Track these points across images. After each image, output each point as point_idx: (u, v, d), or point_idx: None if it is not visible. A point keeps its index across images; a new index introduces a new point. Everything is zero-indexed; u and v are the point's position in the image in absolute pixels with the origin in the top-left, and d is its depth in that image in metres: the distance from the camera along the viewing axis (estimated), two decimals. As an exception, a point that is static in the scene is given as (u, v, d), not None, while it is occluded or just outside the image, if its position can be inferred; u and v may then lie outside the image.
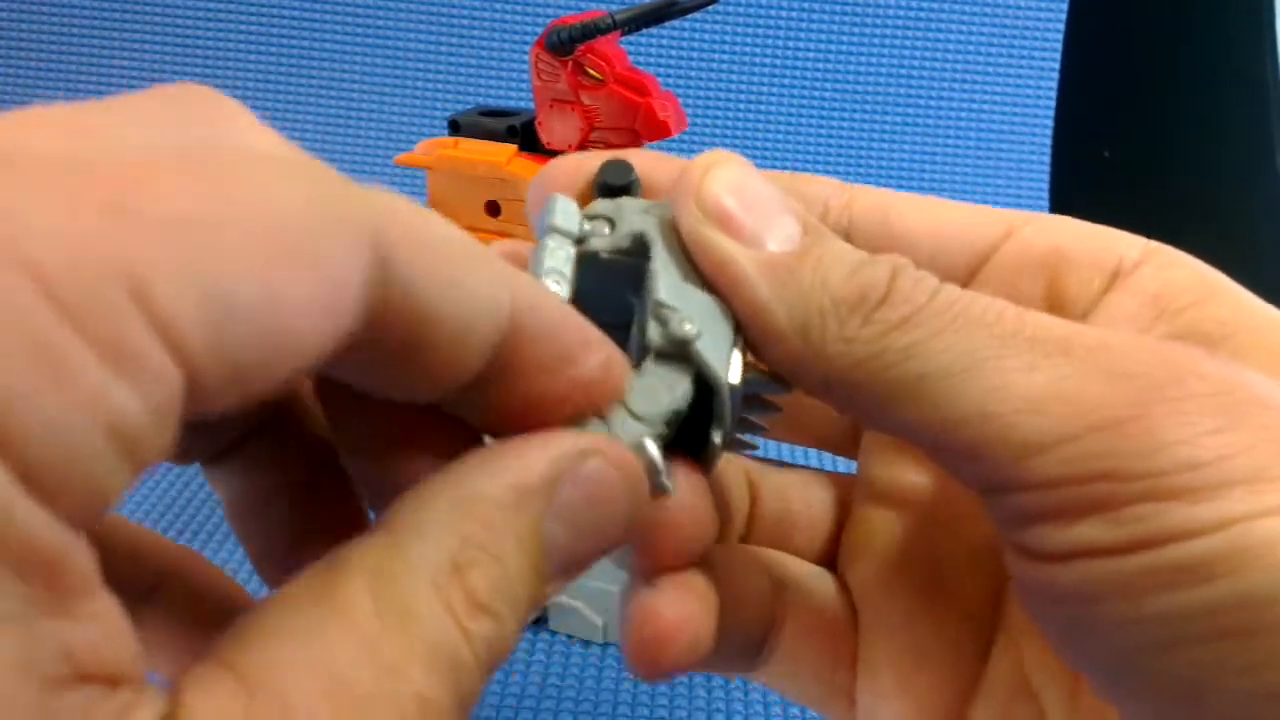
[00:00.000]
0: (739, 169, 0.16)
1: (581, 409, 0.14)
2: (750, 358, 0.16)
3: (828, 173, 0.75)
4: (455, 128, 0.38)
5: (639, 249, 0.16)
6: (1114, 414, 0.13)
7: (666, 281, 0.16)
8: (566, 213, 0.17)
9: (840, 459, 0.22)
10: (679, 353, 0.15)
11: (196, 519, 0.49)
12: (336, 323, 0.11)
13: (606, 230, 0.17)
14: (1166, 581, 0.12)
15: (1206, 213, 0.49)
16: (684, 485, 0.16)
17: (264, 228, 0.10)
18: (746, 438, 0.18)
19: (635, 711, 0.38)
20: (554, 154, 0.36)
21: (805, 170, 0.75)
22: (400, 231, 0.11)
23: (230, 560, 0.46)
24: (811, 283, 0.15)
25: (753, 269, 0.15)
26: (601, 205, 0.17)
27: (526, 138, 0.37)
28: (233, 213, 0.10)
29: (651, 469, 0.15)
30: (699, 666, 0.18)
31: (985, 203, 0.77)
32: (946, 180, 0.75)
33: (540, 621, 0.42)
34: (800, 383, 0.16)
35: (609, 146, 0.36)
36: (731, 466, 0.20)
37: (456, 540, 0.12)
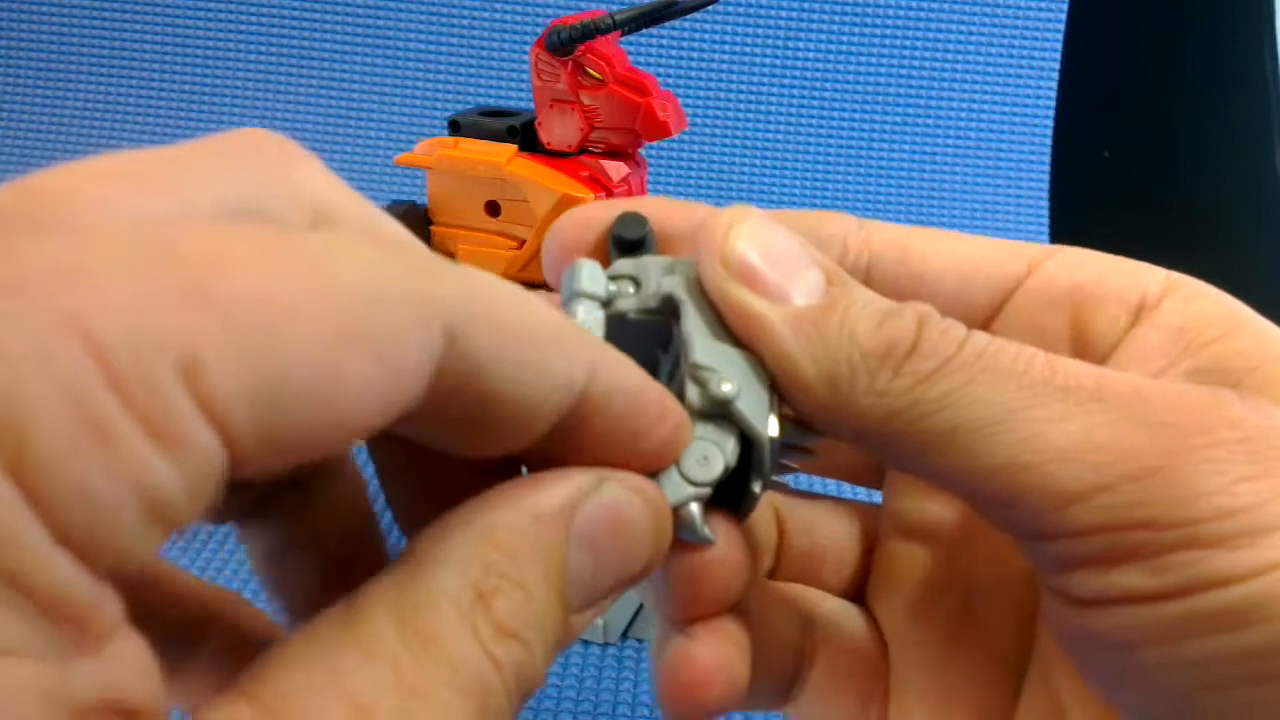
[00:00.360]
0: (761, 224, 0.16)
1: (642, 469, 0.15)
2: (785, 409, 0.16)
3: (827, 173, 0.75)
4: (455, 128, 0.38)
5: (668, 309, 0.17)
6: (1148, 463, 0.13)
7: (701, 343, 0.16)
8: (593, 277, 0.17)
9: (863, 489, 0.22)
10: (720, 413, 0.16)
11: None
12: (393, 403, 0.11)
13: (632, 290, 0.17)
14: (1205, 627, 0.13)
15: (1206, 211, 0.49)
16: (721, 535, 0.16)
17: (329, 309, 0.10)
18: (779, 479, 0.19)
19: (635, 712, 0.38)
20: (554, 154, 0.36)
21: (804, 171, 0.75)
22: (476, 311, 0.12)
23: (231, 561, 0.46)
24: (839, 336, 0.15)
25: (780, 325, 0.15)
26: (624, 265, 0.17)
27: (527, 138, 0.37)
28: (299, 295, 0.10)
29: (692, 524, 0.15)
30: (733, 709, 0.18)
31: (985, 202, 0.77)
32: (946, 180, 0.75)
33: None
34: (833, 432, 0.16)
35: (609, 146, 0.36)
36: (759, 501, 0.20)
37: (479, 568, 0.12)
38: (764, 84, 0.76)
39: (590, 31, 0.34)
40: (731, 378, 0.16)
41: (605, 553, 0.14)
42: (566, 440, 0.13)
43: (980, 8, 0.74)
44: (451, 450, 0.13)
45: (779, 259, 0.16)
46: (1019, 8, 0.73)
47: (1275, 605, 0.12)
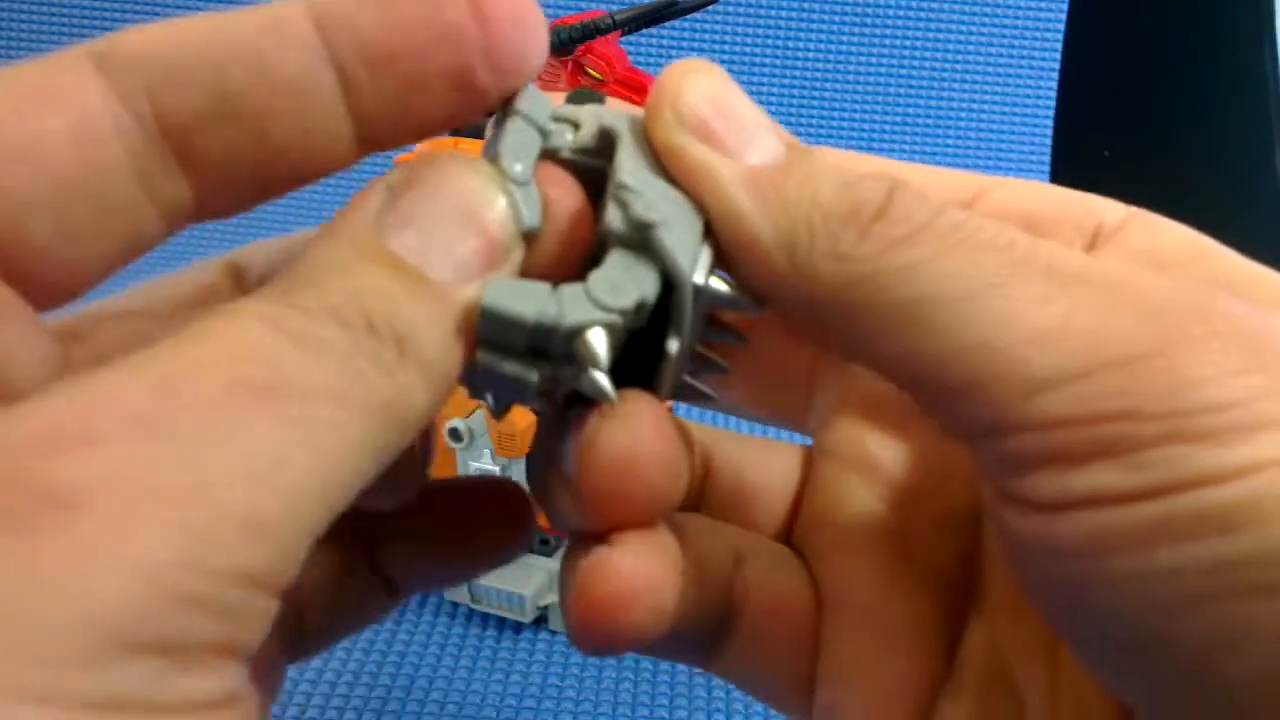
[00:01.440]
0: (720, 79, 0.14)
1: (454, 68, 0.13)
2: (720, 274, 0.14)
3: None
4: (456, 128, 0.38)
5: (605, 148, 0.15)
6: (1134, 349, 0.11)
7: (631, 168, 0.14)
8: (534, 100, 0.15)
9: (800, 436, 0.20)
10: (640, 240, 0.14)
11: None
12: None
13: (570, 134, 0.15)
14: (1184, 531, 0.11)
15: (1207, 213, 0.49)
16: (649, 423, 0.14)
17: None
18: (701, 385, 0.17)
19: (635, 711, 0.38)
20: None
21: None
22: None
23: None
24: (799, 196, 0.13)
25: (732, 179, 0.14)
26: (568, 109, 0.15)
27: (526, 138, 0.37)
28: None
29: (593, 357, 0.13)
30: (654, 649, 0.16)
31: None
32: (946, 180, 0.75)
33: (540, 621, 0.42)
34: (781, 304, 0.14)
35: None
36: (680, 374, 0.18)
37: (334, 294, 0.12)
38: (764, 84, 0.76)
39: (590, 32, 0.34)
40: (659, 208, 0.14)
41: (420, 215, 0.13)
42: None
43: (980, 8, 0.74)
44: None
45: (736, 116, 0.14)
46: (1019, 8, 0.73)
47: (1265, 507, 0.11)
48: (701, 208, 0.14)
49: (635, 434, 0.14)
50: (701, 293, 0.14)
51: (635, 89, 0.35)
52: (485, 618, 0.42)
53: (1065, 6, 0.53)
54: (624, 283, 0.14)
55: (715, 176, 0.14)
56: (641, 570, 0.14)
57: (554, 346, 0.13)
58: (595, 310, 0.13)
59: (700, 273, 0.14)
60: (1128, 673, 0.12)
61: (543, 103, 0.15)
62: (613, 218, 0.14)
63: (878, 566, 0.17)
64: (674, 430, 0.14)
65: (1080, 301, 0.12)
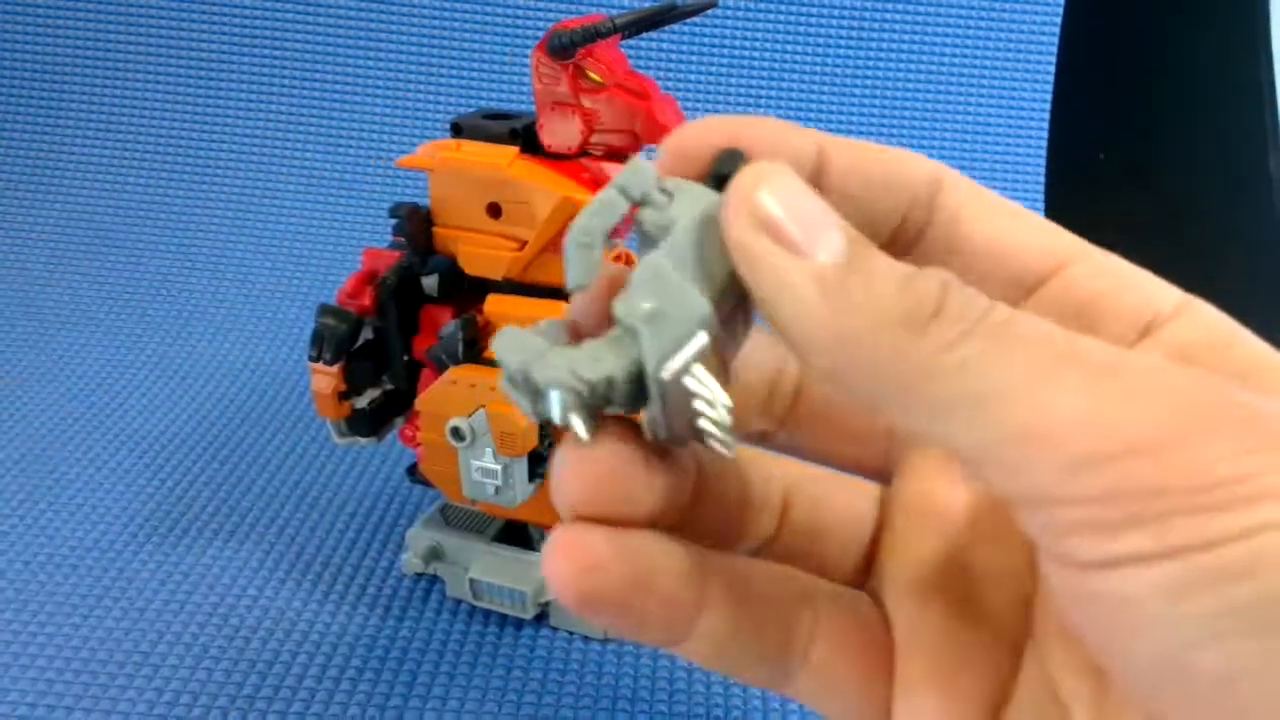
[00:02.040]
0: (789, 180, 0.16)
1: None
2: (711, 389, 0.16)
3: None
4: (457, 130, 0.38)
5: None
6: (1159, 435, 0.13)
7: (653, 256, 0.16)
8: (637, 172, 0.17)
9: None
10: (627, 326, 0.16)
11: (201, 519, 0.50)
12: None
13: (665, 203, 0.17)
14: (1203, 583, 0.13)
15: (1201, 213, 0.49)
16: (609, 444, 0.16)
17: None
18: (719, 448, 0.18)
19: (635, 707, 0.38)
20: (555, 157, 0.37)
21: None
22: None
23: (234, 560, 0.46)
24: (862, 296, 0.15)
25: (801, 279, 0.15)
26: (673, 181, 0.17)
27: (528, 140, 0.37)
28: None
29: (548, 410, 0.16)
30: (724, 668, 0.18)
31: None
32: (945, 182, 0.75)
33: (541, 618, 0.42)
34: (845, 394, 0.16)
35: (609, 150, 0.36)
36: (761, 471, 0.20)
37: None
38: (762, 87, 0.76)
39: (591, 35, 0.34)
40: (659, 302, 0.15)
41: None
42: None
43: (976, 11, 0.74)
44: None
45: (803, 216, 0.15)
46: (1015, 11, 0.73)
47: (1266, 558, 0.13)
48: (746, 300, 0.16)
49: (584, 458, 0.16)
50: (670, 384, 0.15)
51: (636, 93, 0.36)
52: (487, 614, 0.43)
53: (1061, 9, 0.53)
54: (604, 359, 0.15)
55: (785, 278, 0.15)
56: (577, 541, 0.17)
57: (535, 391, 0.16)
58: (563, 374, 0.15)
59: (670, 368, 0.15)
60: (1159, 699, 0.14)
61: (647, 175, 0.17)
62: (617, 302, 0.16)
63: (947, 604, 0.19)
64: (631, 462, 0.17)
65: (1110, 392, 0.14)
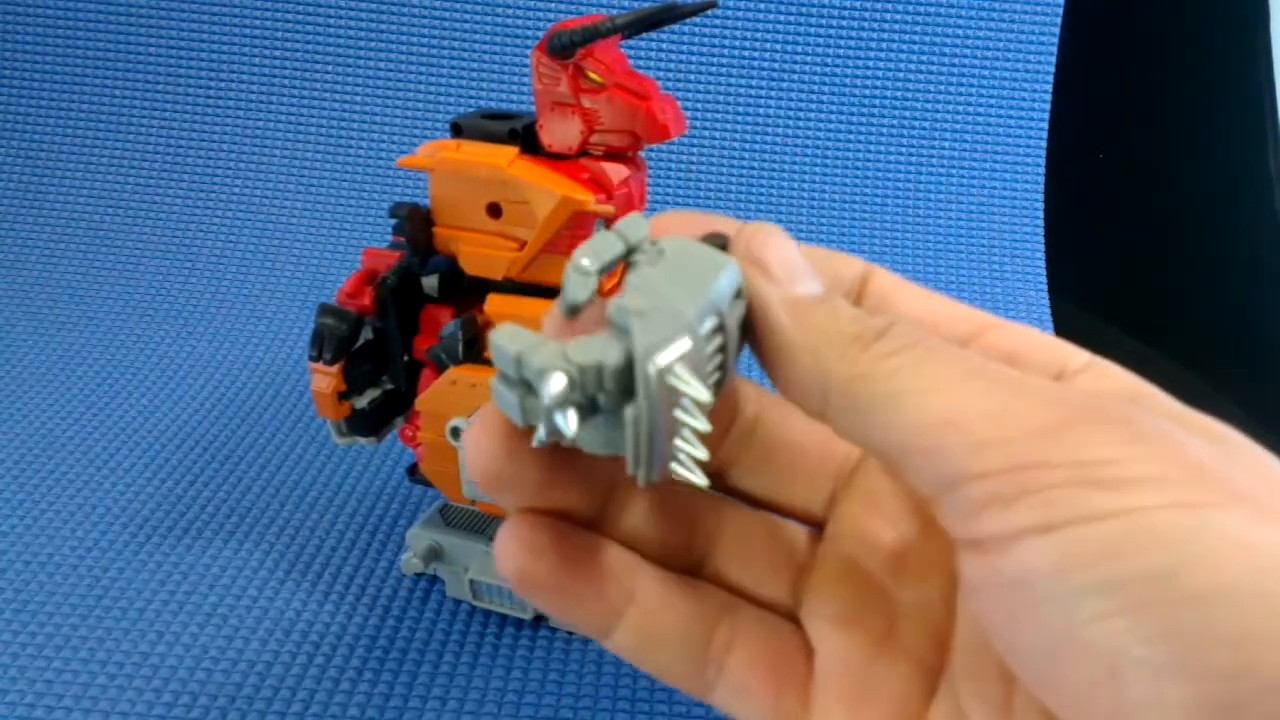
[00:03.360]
0: (782, 240, 0.20)
1: None
2: (695, 387, 0.17)
3: (824, 176, 0.76)
4: (457, 130, 0.38)
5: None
6: (1047, 423, 0.16)
7: (649, 274, 0.18)
8: (633, 224, 0.19)
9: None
10: (620, 323, 0.17)
11: (201, 519, 0.49)
12: None
13: (655, 254, 0.19)
14: (1086, 560, 0.15)
15: (1201, 214, 0.49)
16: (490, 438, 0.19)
17: None
18: (691, 477, 0.19)
19: (635, 708, 0.38)
20: (554, 156, 0.37)
21: (802, 173, 0.76)
22: None
23: (234, 560, 0.46)
24: (825, 319, 0.19)
25: (780, 303, 0.19)
26: (665, 239, 0.19)
27: (528, 140, 0.37)
28: None
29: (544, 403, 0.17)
30: (656, 673, 0.21)
31: (981, 203, 0.77)
32: (942, 183, 0.75)
33: (541, 619, 0.42)
34: (803, 396, 0.19)
35: (609, 150, 0.36)
36: (698, 498, 0.22)
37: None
38: (763, 87, 0.76)
39: (591, 35, 0.34)
40: (651, 300, 0.17)
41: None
42: None
43: (977, 12, 0.74)
44: None
45: (789, 265, 0.20)
46: (1016, 12, 0.73)
47: (1141, 540, 0.14)
48: (753, 331, 0.19)
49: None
50: (656, 379, 0.17)
51: (636, 93, 0.36)
52: (486, 615, 0.43)
53: (1061, 10, 0.53)
54: (594, 348, 0.17)
55: (768, 298, 0.19)
56: (522, 530, 0.20)
57: (531, 381, 0.17)
58: (555, 358, 0.17)
59: (663, 358, 0.17)
60: (1055, 684, 0.16)
61: (640, 227, 0.19)
62: (610, 304, 0.17)
63: (867, 639, 0.21)
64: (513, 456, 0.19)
65: (1014, 395, 0.16)
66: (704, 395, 0.17)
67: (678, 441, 0.18)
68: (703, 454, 0.18)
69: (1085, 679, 0.15)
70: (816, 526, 0.23)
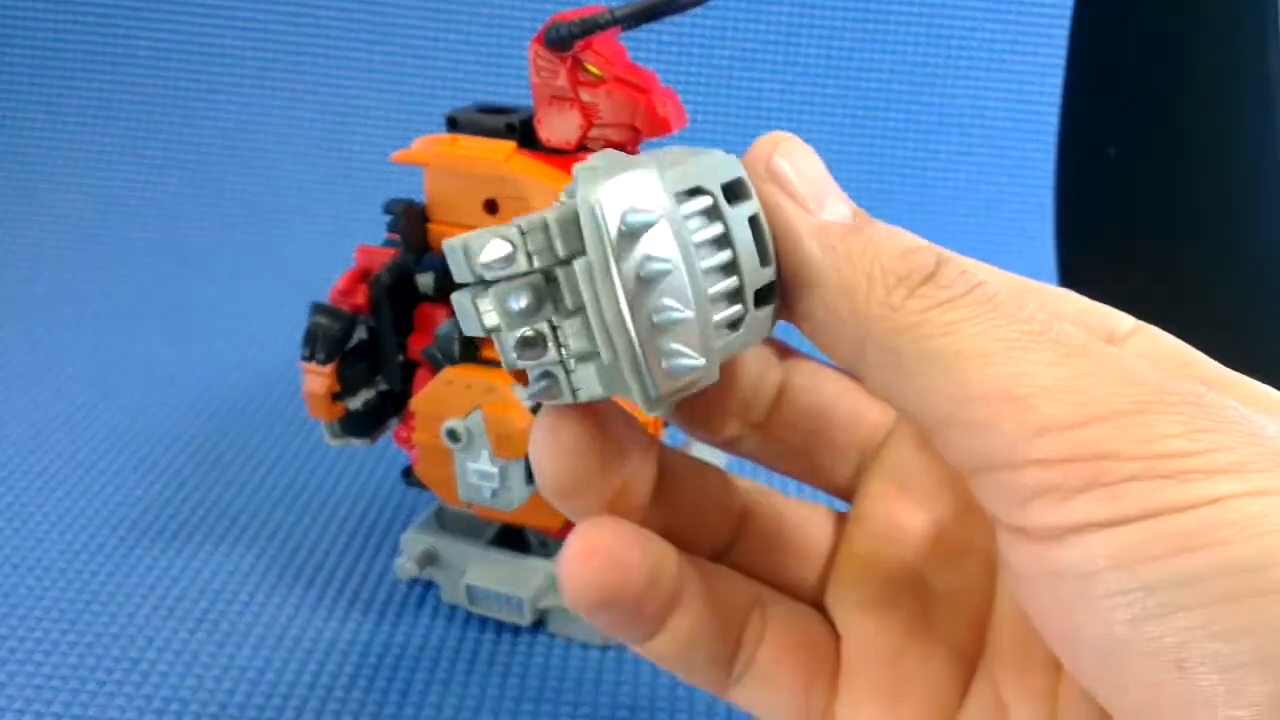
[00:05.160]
0: (803, 149, 0.17)
1: None
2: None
3: (830, 170, 0.75)
4: (453, 124, 0.37)
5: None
6: (1119, 408, 0.14)
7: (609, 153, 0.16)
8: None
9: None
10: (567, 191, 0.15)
11: (192, 522, 0.49)
12: None
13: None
14: (1158, 552, 0.13)
15: (1212, 211, 0.48)
16: (571, 425, 0.17)
17: None
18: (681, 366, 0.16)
19: (635, 715, 0.38)
20: (553, 151, 0.36)
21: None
22: None
23: (225, 565, 0.46)
24: (863, 252, 0.16)
25: (806, 232, 0.16)
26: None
27: (525, 135, 0.36)
28: None
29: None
30: (677, 669, 0.19)
31: (990, 198, 0.77)
32: (951, 177, 0.75)
33: (539, 624, 0.42)
34: (833, 343, 0.17)
35: (609, 143, 0.36)
36: (720, 479, 0.21)
37: None
38: (765, 80, 0.75)
39: (589, 27, 0.34)
40: (606, 159, 0.15)
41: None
42: None
43: (985, 7, 0.73)
44: None
45: (813, 180, 0.17)
46: (1024, 5, 0.72)
47: (1223, 531, 0.13)
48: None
49: (555, 430, 0.17)
50: (599, 212, 0.14)
51: (636, 87, 0.35)
52: (484, 621, 0.42)
53: (1071, 3, 0.53)
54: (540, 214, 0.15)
55: (793, 225, 0.16)
56: (604, 539, 0.17)
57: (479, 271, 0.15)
58: (500, 230, 0.14)
59: (601, 191, 0.14)
60: (1111, 681, 0.15)
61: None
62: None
63: (900, 626, 0.20)
64: (594, 437, 0.17)
65: (1081, 368, 0.15)
66: (672, 253, 0.14)
67: (670, 341, 0.15)
68: (697, 360, 0.15)
69: (1149, 676, 0.14)
70: (841, 498, 0.22)
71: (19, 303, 0.69)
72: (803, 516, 0.22)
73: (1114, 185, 0.50)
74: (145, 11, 0.78)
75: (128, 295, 0.70)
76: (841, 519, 0.22)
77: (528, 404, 0.16)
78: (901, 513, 0.20)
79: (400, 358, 0.39)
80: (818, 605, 0.21)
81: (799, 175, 0.17)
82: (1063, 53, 0.54)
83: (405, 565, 0.42)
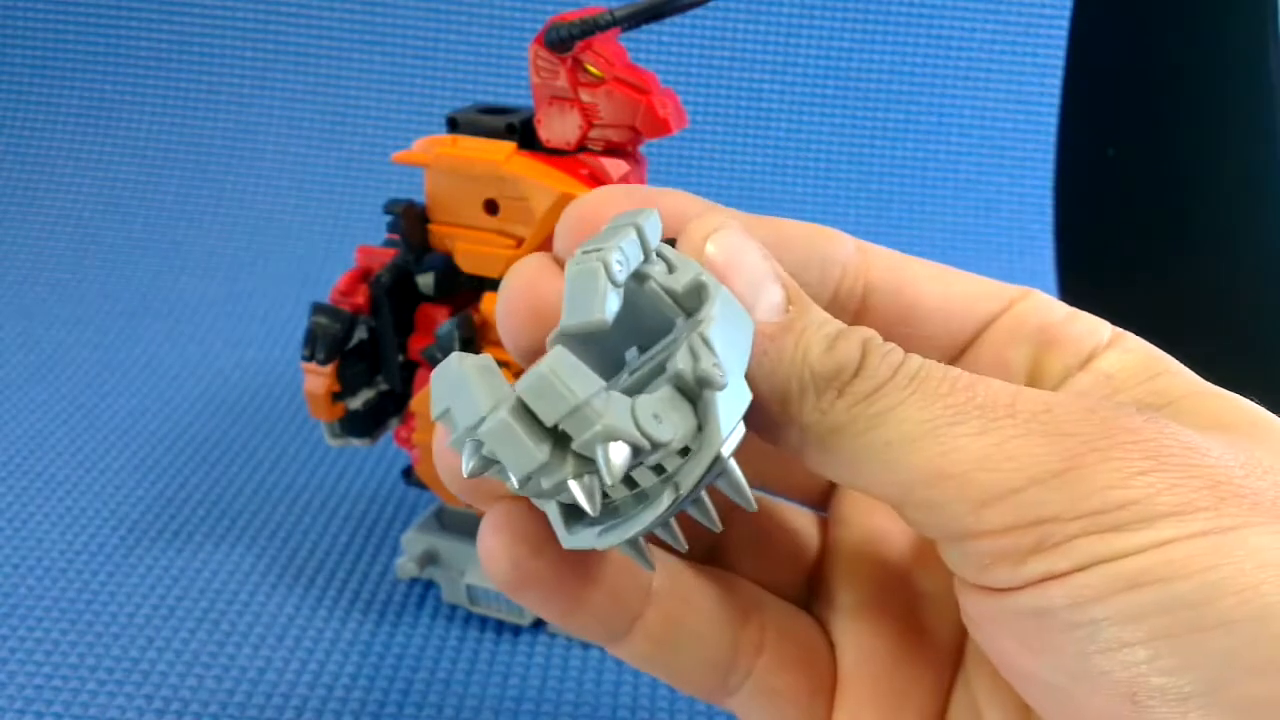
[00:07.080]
0: (733, 237, 0.17)
1: None
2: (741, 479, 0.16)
3: (829, 171, 0.75)
4: (453, 125, 0.37)
5: (689, 301, 0.16)
6: (1052, 468, 0.14)
7: (720, 330, 0.15)
8: (655, 230, 0.16)
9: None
10: (695, 392, 0.15)
11: (192, 522, 0.49)
12: None
13: (662, 269, 0.16)
14: (1105, 591, 0.14)
15: (1210, 212, 0.48)
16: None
17: None
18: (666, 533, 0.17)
19: (635, 715, 0.38)
20: (553, 152, 0.36)
21: (806, 168, 0.75)
22: None
23: (225, 565, 0.46)
24: (793, 356, 0.16)
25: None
26: (670, 250, 0.17)
27: (525, 136, 0.36)
28: None
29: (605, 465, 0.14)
30: (673, 678, 0.19)
31: (989, 199, 0.77)
32: (950, 177, 0.75)
33: (539, 625, 0.42)
34: (777, 443, 0.17)
35: (609, 144, 0.36)
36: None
37: None
38: (765, 81, 0.75)
39: (589, 28, 0.34)
40: (729, 375, 0.15)
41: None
42: None
43: (984, 4, 0.73)
44: None
45: (745, 274, 0.17)
46: (1023, 5, 0.72)
47: (1165, 570, 0.14)
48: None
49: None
50: (719, 462, 0.15)
51: (636, 87, 0.35)
52: (484, 621, 0.42)
53: (1070, 4, 0.53)
54: (668, 419, 0.14)
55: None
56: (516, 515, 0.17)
57: (579, 437, 0.14)
58: (631, 425, 0.14)
59: (730, 445, 0.15)
60: (1077, 716, 0.15)
61: (658, 229, 0.17)
62: (682, 360, 0.15)
63: (893, 631, 0.20)
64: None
65: (1008, 431, 0.15)
66: (747, 504, 0.16)
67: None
68: (682, 545, 0.17)
69: (1104, 709, 0.14)
70: (813, 506, 0.22)
71: (18, 304, 0.69)
72: (786, 518, 0.22)
73: (1113, 185, 0.50)
74: (145, 11, 0.78)
75: (128, 295, 0.70)
76: (824, 522, 0.22)
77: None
78: (881, 514, 0.21)
79: (400, 358, 0.39)
80: (805, 607, 0.21)
81: (731, 271, 0.17)
82: (1063, 53, 0.54)
83: (405, 565, 0.42)
